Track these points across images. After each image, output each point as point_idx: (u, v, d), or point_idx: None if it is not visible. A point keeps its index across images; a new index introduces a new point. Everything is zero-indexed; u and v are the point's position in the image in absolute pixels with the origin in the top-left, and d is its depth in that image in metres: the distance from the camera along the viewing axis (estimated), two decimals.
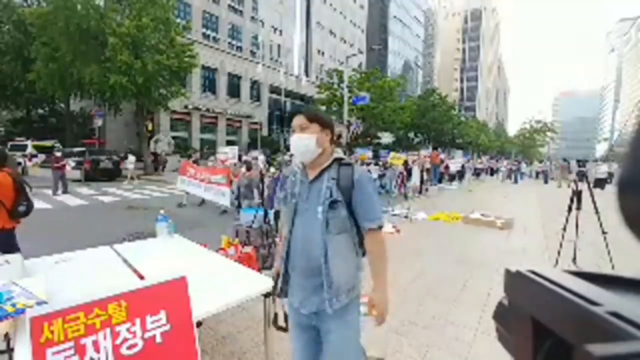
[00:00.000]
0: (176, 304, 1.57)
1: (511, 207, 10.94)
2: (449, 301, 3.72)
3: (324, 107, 29.96)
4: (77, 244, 3.56)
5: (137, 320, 1.45)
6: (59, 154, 11.69)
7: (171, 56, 17.58)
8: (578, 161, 5.60)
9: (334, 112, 28.66)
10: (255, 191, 6.96)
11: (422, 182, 14.08)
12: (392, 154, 16.53)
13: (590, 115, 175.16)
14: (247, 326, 3.08)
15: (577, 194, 4.92)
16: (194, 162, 10.74)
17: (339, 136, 25.00)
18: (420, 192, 13.79)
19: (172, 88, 19.29)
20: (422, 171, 13.99)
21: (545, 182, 23.05)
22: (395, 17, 60.43)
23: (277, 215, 5.54)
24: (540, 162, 31.99)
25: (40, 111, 27.21)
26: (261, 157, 13.63)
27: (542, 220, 8.81)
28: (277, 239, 4.80)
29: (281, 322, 1.90)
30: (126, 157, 16.27)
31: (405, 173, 13.09)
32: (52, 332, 1.27)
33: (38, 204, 9.47)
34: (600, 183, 18.37)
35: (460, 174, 20.71)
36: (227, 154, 14.69)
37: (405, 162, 14.29)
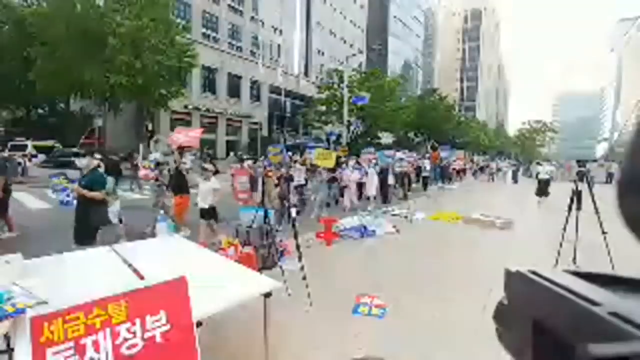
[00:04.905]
0: (176, 304, 1.57)
1: (511, 207, 10.94)
2: (449, 301, 3.72)
3: (323, 107, 29.96)
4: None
5: (137, 320, 1.45)
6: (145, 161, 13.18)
7: (171, 56, 17.58)
8: (578, 161, 5.58)
9: (334, 112, 28.58)
10: None
11: (382, 187, 10.93)
12: (316, 150, 10.01)
13: (590, 115, 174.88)
14: (247, 326, 3.08)
15: (577, 194, 4.92)
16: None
17: (339, 136, 25.13)
18: (386, 199, 11.11)
19: (172, 88, 19.28)
20: (388, 175, 11.09)
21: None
22: (395, 17, 60.38)
23: None
24: (539, 164, 31.53)
25: (40, 111, 27.20)
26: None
27: (542, 220, 8.80)
28: (277, 239, 4.81)
29: None
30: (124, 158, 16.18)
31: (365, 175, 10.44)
32: (52, 332, 1.27)
33: (38, 203, 9.50)
34: (545, 187, 11.84)
35: (443, 174, 18.84)
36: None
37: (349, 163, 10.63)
